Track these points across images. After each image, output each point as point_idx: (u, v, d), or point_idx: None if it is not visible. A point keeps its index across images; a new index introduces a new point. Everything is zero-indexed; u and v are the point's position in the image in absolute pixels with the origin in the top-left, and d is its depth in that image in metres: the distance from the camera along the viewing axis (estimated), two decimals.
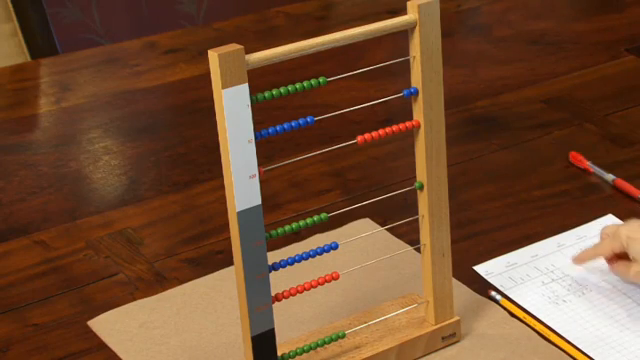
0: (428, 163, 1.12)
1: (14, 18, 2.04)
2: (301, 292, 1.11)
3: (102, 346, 1.22)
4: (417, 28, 1.08)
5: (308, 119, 1.06)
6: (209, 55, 0.99)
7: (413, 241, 1.23)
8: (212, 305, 1.27)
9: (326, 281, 1.12)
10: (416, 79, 1.10)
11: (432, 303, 1.17)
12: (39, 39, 2.06)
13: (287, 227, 1.08)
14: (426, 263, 1.17)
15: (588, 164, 1.52)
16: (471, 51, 1.92)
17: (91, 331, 1.25)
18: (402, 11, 1.08)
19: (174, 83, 1.82)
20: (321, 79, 1.06)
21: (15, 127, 1.71)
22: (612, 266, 1.26)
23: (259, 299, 1.07)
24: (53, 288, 1.32)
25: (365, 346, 1.15)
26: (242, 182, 1.02)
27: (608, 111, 1.69)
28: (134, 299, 1.29)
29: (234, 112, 1.00)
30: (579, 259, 1.29)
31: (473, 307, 1.25)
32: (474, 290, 1.28)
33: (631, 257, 1.22)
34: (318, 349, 1.14)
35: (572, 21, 2.05)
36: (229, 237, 1.05)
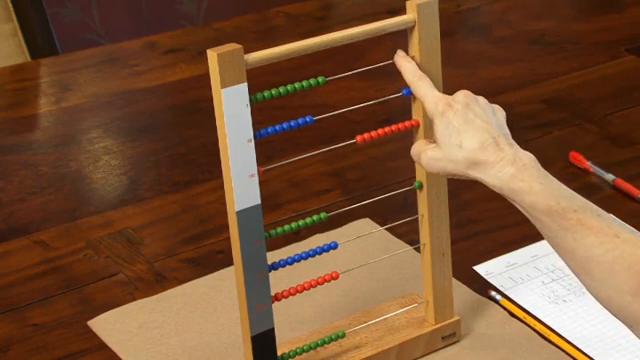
0: None
1: (14, 18, 2.04)
2: (301, 292, 1.10)
3: (102, 346, 1.22)
4: (416, 28, 1.08)
5: (307, 119, 1.06)
6: (208, 55, 0.99)
7: (413, 241, 1.23)
8: (212, 305, 1.27)
9: (326, 281, 1.12)
10: None
11: (432, 303, 1.17)
12: (39, 39, 2.05)
13: (287, 227, 1.08)
14: (426, 263, 1.16)
15: (588, 164, 1.52)
16: (471, 51, 1.92)
17: (91, 331, 1.25)
18: (401, 11, 1.08)
19: (174, 83, 1.82)
20: (320, 79, 1.06)
21: (15, 127, 1.71)
22: (414, 145, 1.06)
23: (259, 299, 1.07)
24: (53, 288, 1.32)
25: (365, 346, 1.15)
26: (241, 182, 1.02)
27: (608, 111, 1.69)
28: (134, 299, 1.29)
29: (233, 112, 1.00)
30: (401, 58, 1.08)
31: (473, 307, 1.25)
32: (474, 290, 1.28)
33: (434, 133, 1.03)
34: (318, 349, 1.14)
35: (572, 21, 2.05)
36: (229, 237, 1.05)
